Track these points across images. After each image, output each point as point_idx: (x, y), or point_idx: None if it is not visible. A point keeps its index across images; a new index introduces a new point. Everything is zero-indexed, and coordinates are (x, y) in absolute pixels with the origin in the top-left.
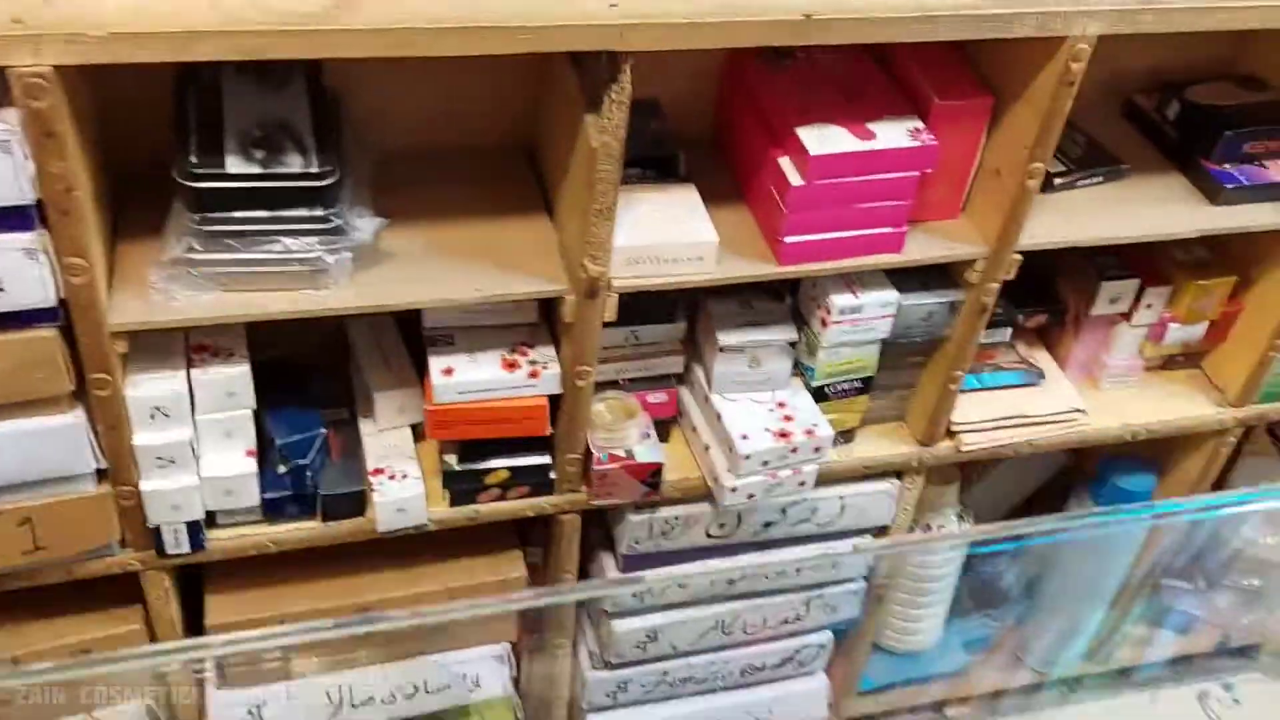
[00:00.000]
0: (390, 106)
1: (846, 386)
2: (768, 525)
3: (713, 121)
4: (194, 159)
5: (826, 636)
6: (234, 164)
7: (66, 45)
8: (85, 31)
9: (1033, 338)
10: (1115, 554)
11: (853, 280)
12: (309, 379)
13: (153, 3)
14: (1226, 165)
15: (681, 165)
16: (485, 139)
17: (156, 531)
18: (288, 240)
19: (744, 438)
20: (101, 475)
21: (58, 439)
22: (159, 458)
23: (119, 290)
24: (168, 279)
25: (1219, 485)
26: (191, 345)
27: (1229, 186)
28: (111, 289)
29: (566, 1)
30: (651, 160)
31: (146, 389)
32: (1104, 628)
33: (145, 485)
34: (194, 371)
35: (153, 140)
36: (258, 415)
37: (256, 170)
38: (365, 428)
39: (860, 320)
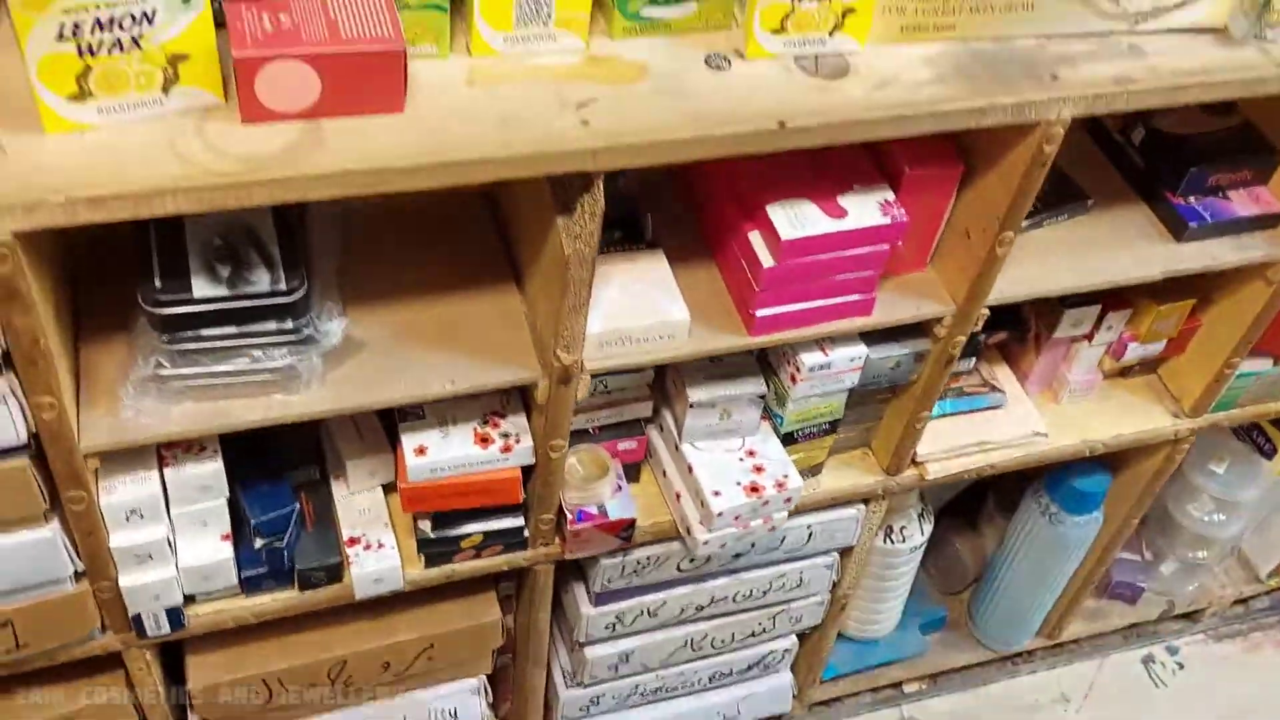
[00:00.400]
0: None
1: (814, 430)
2: (737, 556)
3: (676, 170)
4: (159, 284)
5: (791, 641)
6: (200, 285)
7: (26, 214)
8: (45, 198)
9: (994, 353)
10: (1071, 546)
11: (822, 339)
12: (276, 435)
13: (111, 156)
14: (1191, 199)
15: (649, 229)
16: (445, 192)
17: (137, 618)
18: (257, 352)
19: (716, 494)
20: (80, 575)
21: (35, 551)
22: (136, 555)
23: (88, 409)
24: (137, 396)
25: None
26: (163, 443)
27: (1193, 224)
28: (80, 407)
29: (535, 125)
30: (616, 221)
31: (121, 495)
32: (1056, 605)
33: (124, 581)
34: (167, 470)
35: (113, 237)
36: (230, 487)
37: (223, 292)
38: (337, 490)
39: (830, 375)
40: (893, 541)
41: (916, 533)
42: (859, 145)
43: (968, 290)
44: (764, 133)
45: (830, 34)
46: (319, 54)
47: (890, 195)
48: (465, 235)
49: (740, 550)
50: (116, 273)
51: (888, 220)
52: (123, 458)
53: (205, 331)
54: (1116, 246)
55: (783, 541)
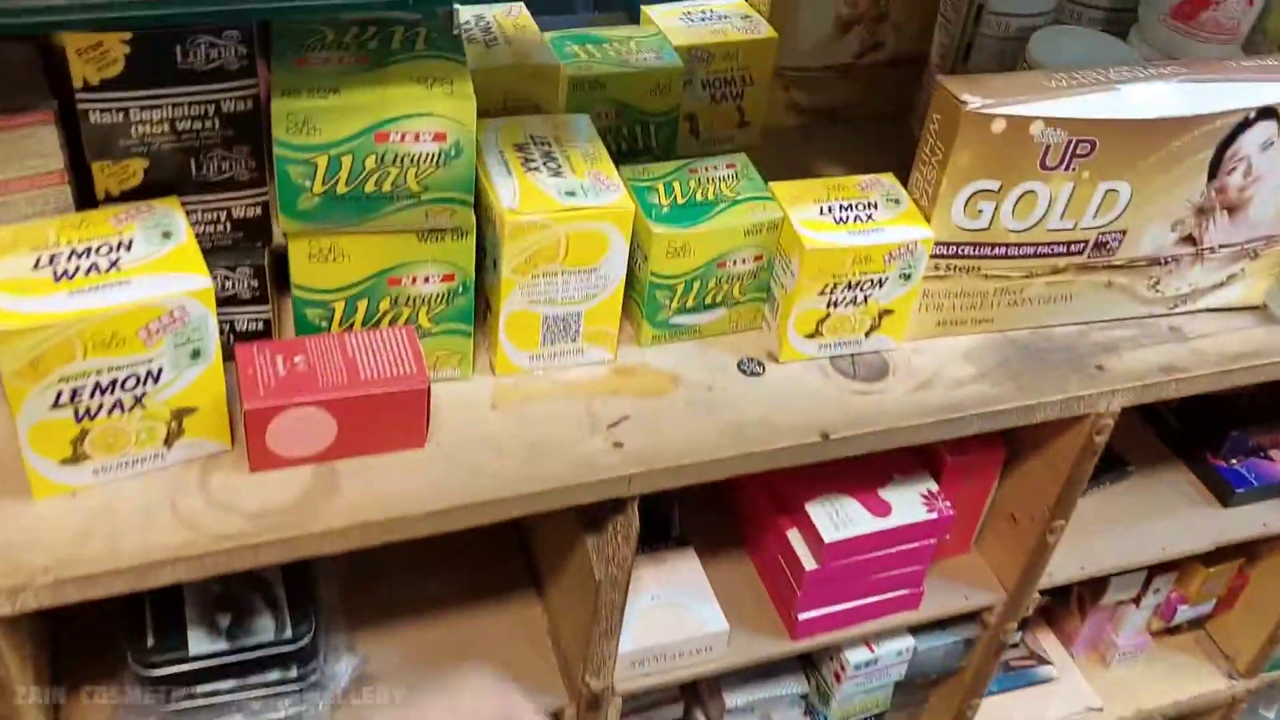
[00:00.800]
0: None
1: None
2: None
3: None
4: (152, 642)
5: None
6: (197, 641)
7: (8, 599)
8: (31, 580)
9: (1036, 618)
10: None
11: (868, 634)
12: None
13: (105, 522)
14: (1233, 461)
15: (676, 524)
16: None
17: None
18: (258, 705)
19: None
20: None
21: None
22: None
23: None
24: None
25: None
26: None
27: (1239, 490)
28: None
29: (565, 452)
30: (640, 516)
31: None
32: None
33: None
34: None
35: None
36: None
37: (222, 646)
38: None
39: (876, 670)
40: None
41: None
42: None
43: (1018, 577)
44: (807, 446)
45: (867, 335)
46: (336, 399)
47: (933, 485)
48: (480, 541)
49: None
50: (102, 628)
51: (934, 515)
52: None
53: (201, 689)
54: (1162, 515)
55: None
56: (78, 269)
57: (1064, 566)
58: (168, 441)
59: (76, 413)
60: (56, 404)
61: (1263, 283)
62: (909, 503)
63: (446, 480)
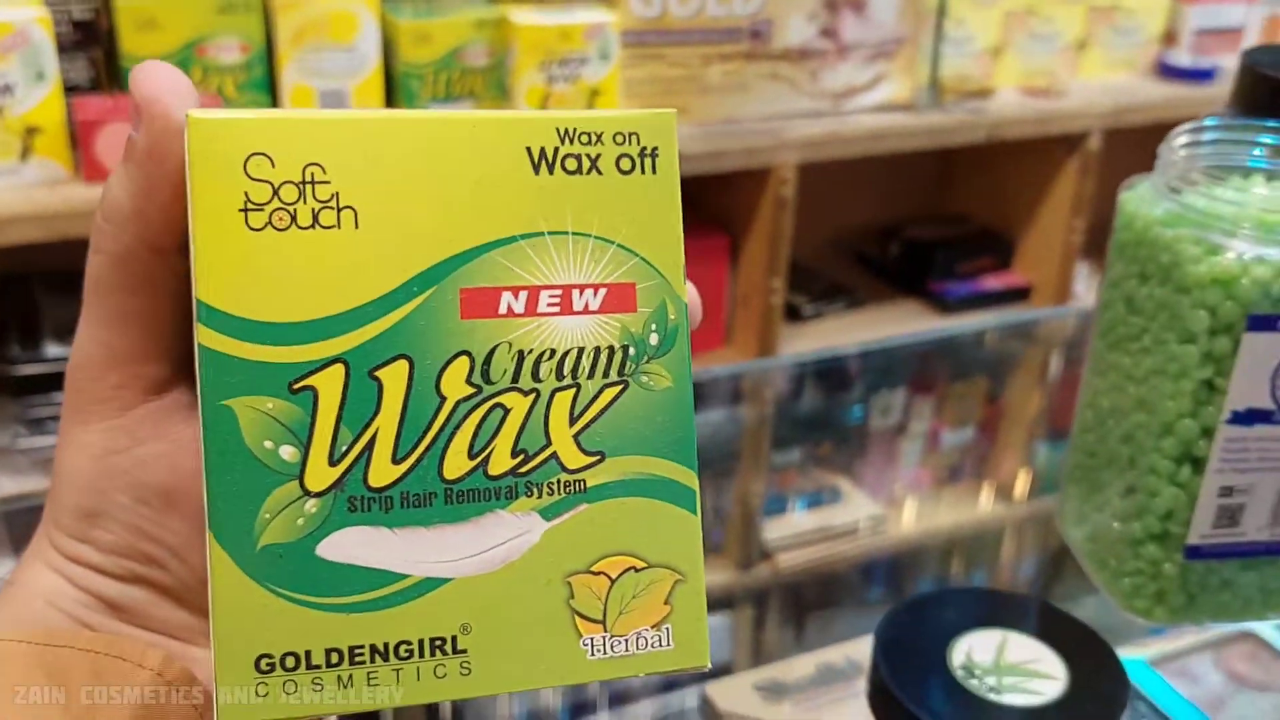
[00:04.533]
0: None
1: None
2: None
3: None
4: (15, 348)
5: None
6: (53, 350)
7: None
8: None
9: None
10: None
11: None
12: None
13: None
14: (946, 283)
15: None
16: None
17: None
18: None
19: None
20: None
21: None
22: None
23: None
24: None
25: None
26: None
27: (950, 299)
28: None
29: None
30: None
31: None
32: None
33: None
34: None
35: None
36: None
37: None
38: None
39: None
40: None
41: None
42: None
43: (757, 348)
44: None
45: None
46: None
47: None
48: None
49: None
50: None
51: None
52: None
53: (58, 396)
54: (893, 322)
55: None
56: None
57: (805, 346)
58: (23, 156)
59: None
60: None
61: (907, 81)
62: None
63: None
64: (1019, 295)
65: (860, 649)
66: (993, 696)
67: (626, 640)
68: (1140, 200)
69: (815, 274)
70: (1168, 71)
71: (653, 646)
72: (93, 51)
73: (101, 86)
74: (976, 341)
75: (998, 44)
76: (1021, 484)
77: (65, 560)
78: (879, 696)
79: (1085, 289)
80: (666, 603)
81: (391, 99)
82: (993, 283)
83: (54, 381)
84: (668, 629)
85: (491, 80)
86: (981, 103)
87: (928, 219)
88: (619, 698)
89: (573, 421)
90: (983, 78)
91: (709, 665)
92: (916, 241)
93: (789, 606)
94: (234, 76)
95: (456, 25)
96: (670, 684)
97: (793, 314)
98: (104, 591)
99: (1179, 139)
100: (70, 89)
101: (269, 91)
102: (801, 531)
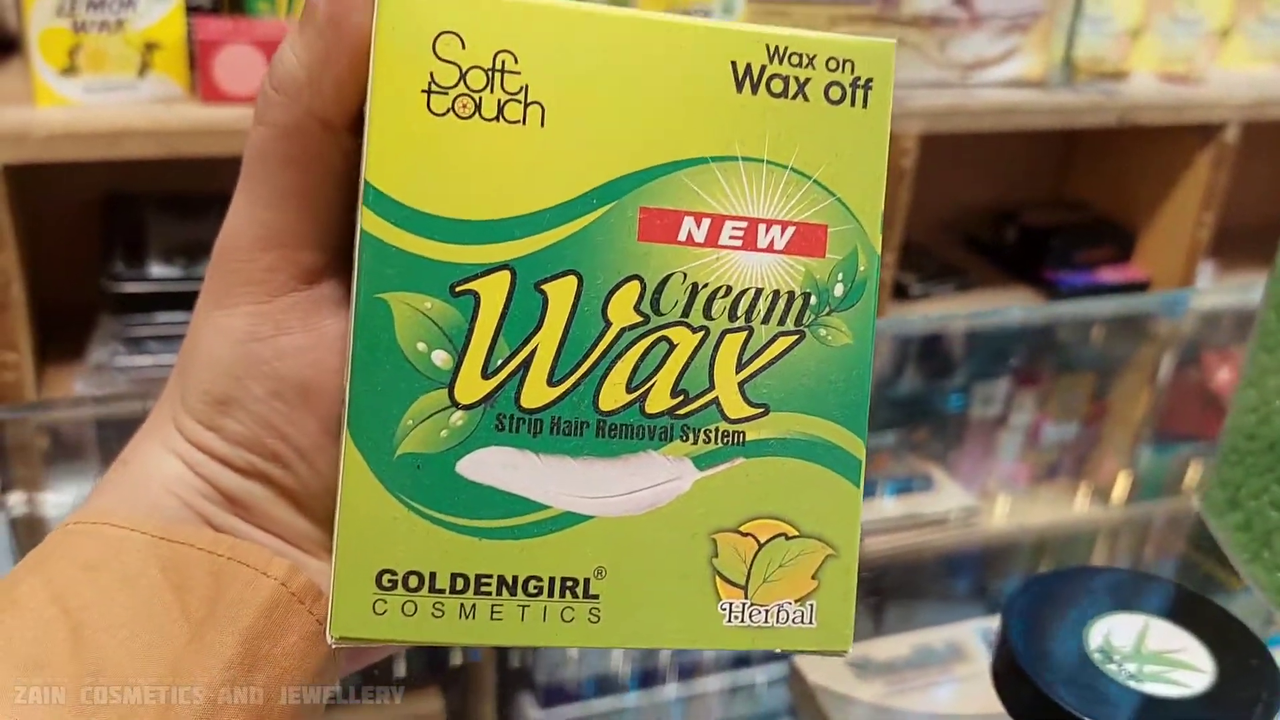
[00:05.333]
0: None
1: None
2: None
3: None
4: (120, 266)
5: None
6: (156, 270)
7: (14, 146)
8: (30, 132)
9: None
10: None
11: None
12: None
13: (89, 117)
14: (1061, 272)
15: None
16: None
17: None
18: None
19: None
20: None
21: None
22: None
23: (46, 392)
24: (91, 386)
25: None
26: None
27: (1064, 289)
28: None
29: None
30: None
31: None
32: None
33: None
34: None
35: (79, 282)
36: None
37: (177, 274)
38: None
39: None
40: None
41: None
42: None
43: None
44: None
45: None
46: (267, 41)
47: None
48: None
49: None
50: (81, 318)
51: None
52: None
53: (159, 316)
54: (1002, 306)
55: None
56: None
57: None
58: (141, 72)
59: (74, 24)
60: (59, 12)
61: (1040, 58)
62: None
63: None
64: (1137, 289)
65: (960, 633)
66: (1133, 684)
67: (767, 611)
68: None
69: (927, 253)
70: None
71: (793, 622)
72: None
73: (223, 8)
74: (1086, 336)
75: (1137, 25)
76: (1121, 487)
77: (188, 445)
78: (1007, 674)
79: (1208, 288)
80: (814, 577)
81: None
82: (1110, 275)
83: (157, 301)
84: (812, 605)
85: None
86: (1115, 85)
87: (1047, 204)
88: (689, 669)
89: (740, 367)
90: (1119, 59)
91: (849, 650)
92: (1033, 228)
93: (870, 593)
94: None
95: None
96: (758, 656)
97: (900, 292)
98: (225, 483)
99: None
100: (192, 9)
101: None
102: (889, 517)
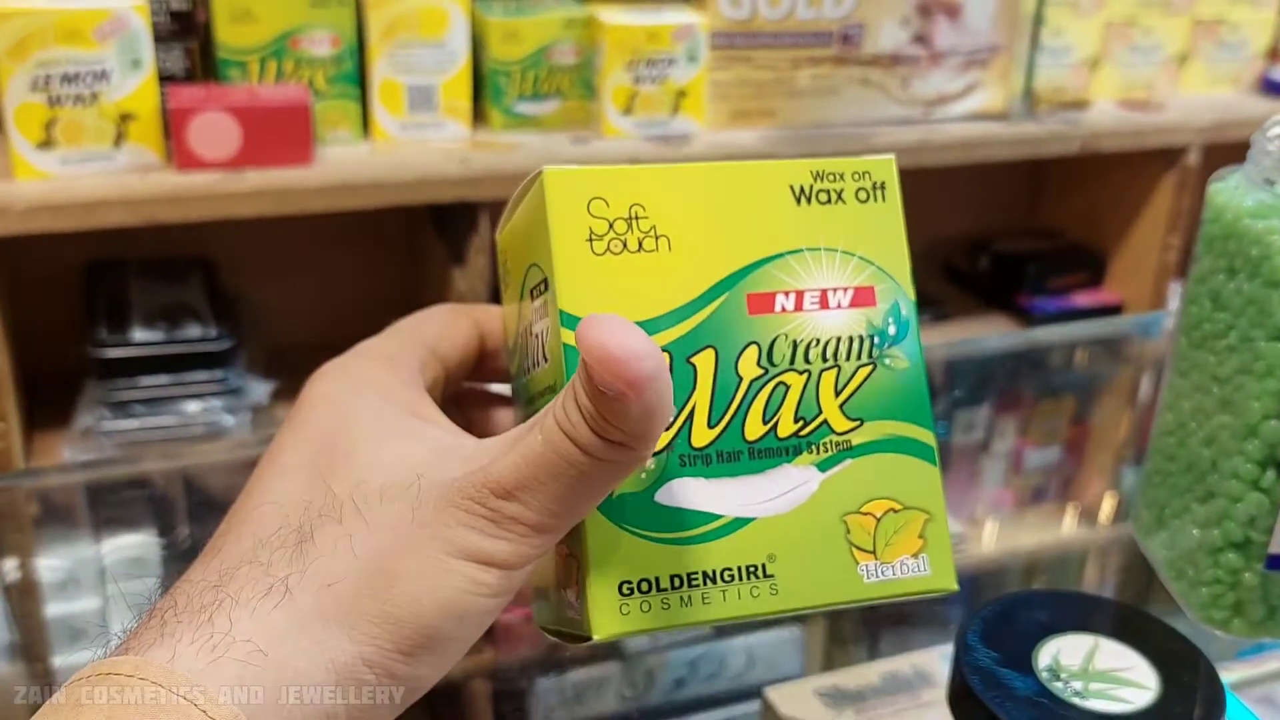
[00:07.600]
0: (281, 304)
1: None
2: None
3: None
4: (103, 332)
5: None
6: (139, 335)
7: None
8: (9, 206)
9: None
10: None
11: None
12: None
13: (68, 188)
14: (1035, 298)
15: None
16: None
17: None
18: (189, 405)
19: None
20: None
21: None
22: None
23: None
24: (78, 452)
25: None
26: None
27: (1038, 314)
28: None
29: (425, 168)
30: None
31: None
32: None
33: None
34: None
35: (64, 349)
36: None
37: (160, 338)
38: None
39: None
40: None
41: None
42: None
43: None
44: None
45: (671, 115)
46: (239, 107)
47: None
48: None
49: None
50: (67, 385)
51: None
52: None
53: (143, 380)
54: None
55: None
56: None
57: None
58: (116, 143)
59: (49, 98)
60: (34, 88)
61: (1001, 91)
62: None
63: (327, 177)
64: (1110, 313)
65: (927, 659)
66: (1076, 700)
67: (893, 566)
68: (1230, 192)
69: None
70: (1271, 88)
71: (913, 572)
72: (188, 42)
73: (196, 77)
74: (1064, 360)
75: (1096, 55)
76: (1106, 508)
77: (365, 668)
78: (958, 693)
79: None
80: (920, 537)
81: (479, 96)
82: (1084, 299)
83: (140, 365)
84: (924, 558)
85: (579, 79)
86: (1077, 114)
87: (1018, 232)
88: (679, 709)
89: (837, 394)
90: (1079, 89)
91: (957, 589)
92: (1006, 255)
93: (860, 619)
94: (325, 69)
95: (546, 24)
96: (728, 695)
97: None
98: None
99: (1273, 129)
100: (165, 79)
101: (359, 84)
102: None
